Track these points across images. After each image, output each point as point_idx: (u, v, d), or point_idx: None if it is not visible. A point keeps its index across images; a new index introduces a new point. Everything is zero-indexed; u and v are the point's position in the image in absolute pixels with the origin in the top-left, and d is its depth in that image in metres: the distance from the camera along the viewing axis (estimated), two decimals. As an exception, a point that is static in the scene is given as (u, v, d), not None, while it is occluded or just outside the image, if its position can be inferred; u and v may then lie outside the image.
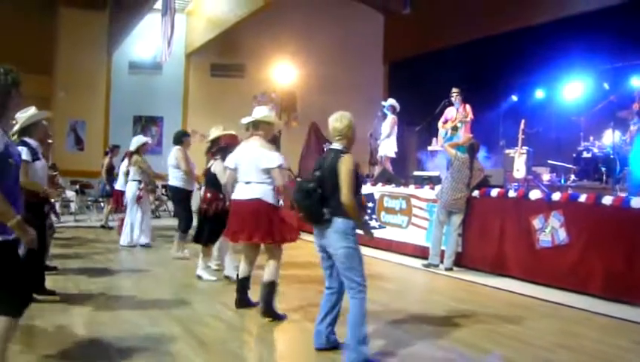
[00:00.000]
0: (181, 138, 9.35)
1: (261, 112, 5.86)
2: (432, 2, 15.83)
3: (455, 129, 11.10)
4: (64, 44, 16.74)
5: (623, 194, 7.59)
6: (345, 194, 4.22)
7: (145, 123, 17.63)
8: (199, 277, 7.41)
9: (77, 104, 16.71)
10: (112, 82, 17.41)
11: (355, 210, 4.27)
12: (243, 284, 5.93)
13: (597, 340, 5.29)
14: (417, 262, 8.97)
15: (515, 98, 14.81)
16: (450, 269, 8.42)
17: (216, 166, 7.26)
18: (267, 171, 5.60)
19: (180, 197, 9.05)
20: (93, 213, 15.02)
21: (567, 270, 7.17)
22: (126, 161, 11.26)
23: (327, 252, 4.43)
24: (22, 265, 3.42)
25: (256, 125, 5.83)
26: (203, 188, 7.70)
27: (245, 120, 5.90)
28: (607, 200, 6.96)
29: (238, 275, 6.00)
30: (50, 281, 6.49)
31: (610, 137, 10.79)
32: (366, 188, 10.69)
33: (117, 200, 11.61)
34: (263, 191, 5.61)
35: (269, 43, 16.86)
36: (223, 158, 6.76)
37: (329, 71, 17.04)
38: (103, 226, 12.62)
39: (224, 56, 17.85)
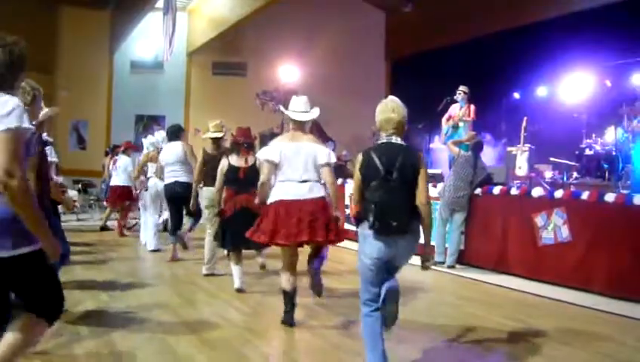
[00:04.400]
0: (179, 132, 8.87)
1: (308, 108, 5.46)
2: (433, 0, 15.83)
3: (455, 127, 11.09)
4: (66, 43, 16.76)
5: (626, 192, 7.59)
6: (426, 198, 3.91)
7: (147, 122, 17.63)
8: (240, 291, 6.69)
9: (79, 103, 16.70)
10: (113, 81, 17.43)
11: (431, 218, 3.99)
12: (293, 298, 5.38)
13: (601, 338, 5.29)
14: (414, 260, 8.97)
15: (517, 95, 14.80)
16: (453, 267, 8.42)
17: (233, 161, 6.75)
18: (319, 168, 5.20)
19: (189, 194, 8.21)
20: (95, 212, 15.04)
21: (570, 267, 7.17)
22: (123, 156, 11.36)
23: (388, 265, 3.93)
24: (55, 273, 3.23)
25: (295, 120, 5.40)
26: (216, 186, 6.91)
27: (300, 116, 5.39)
28: (610, 197, 6.95)
29: (284, 290, 5.38)
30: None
31: (612, 134, 10.78)
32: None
33: (120, 195, 11.30)
34: (322, 189, 5.23)
35: (270, 41, 16.86)
36: (245, 153, 6.68)
37: (331, 69, 17.03)
38: (102, 228, 12.07)
39: (226, 55, 17.85)
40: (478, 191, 8.50)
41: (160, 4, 14.37)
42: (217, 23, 15.62)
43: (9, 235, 2.81)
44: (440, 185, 9.08)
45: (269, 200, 5.18)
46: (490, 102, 13.45)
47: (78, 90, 16.62)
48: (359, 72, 17.41)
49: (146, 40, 17.04)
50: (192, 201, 7.87)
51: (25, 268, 2.92)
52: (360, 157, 3.99)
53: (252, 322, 5.60)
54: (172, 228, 8.75)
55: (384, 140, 4.00)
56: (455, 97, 11.12)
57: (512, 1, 13.63)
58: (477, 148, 8.73)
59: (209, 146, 7.86)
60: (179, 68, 17.77)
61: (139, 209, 10.91)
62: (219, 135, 7.86)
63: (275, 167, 5.17)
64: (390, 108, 3.99)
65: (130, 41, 16.89)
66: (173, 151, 8.61)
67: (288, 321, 5.32)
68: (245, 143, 6.82)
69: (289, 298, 5.35)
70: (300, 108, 5.40)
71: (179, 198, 8.44)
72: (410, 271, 8.00)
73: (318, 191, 5.16)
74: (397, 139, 3.97)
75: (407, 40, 17.26)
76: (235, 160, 6.73)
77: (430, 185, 9.61)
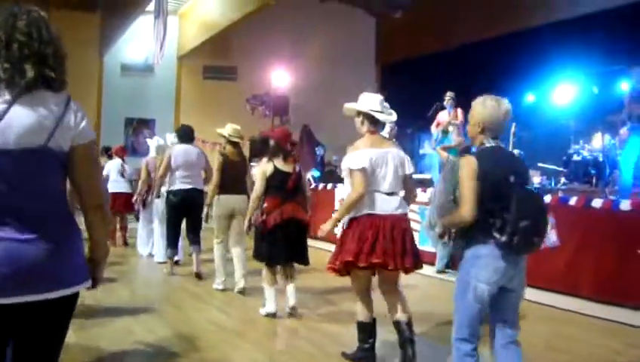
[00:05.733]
0: (193, 135, 8.13)
1: (385, 108, 4.63)
2: (423, 6, 15.91)
3: (445, 132, 11.15)
4: (55, 45, 16.67)
5: (613, 198, 7.66)
6: None
7: (137, 125, 17.59)
8: (294, 309, 5.97)
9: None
10: (103, 84, 17.36)
11: None
12: (373, 331, 4.59)
13: (588, 342, 5.34)
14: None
15: (472, 105, 14.85)
16: (443, 272, 8.45)
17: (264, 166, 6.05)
18: (403, 178, 4.53)
19: (202, 202, 7.65)
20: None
21: (558, 272, 7.21)
22: (118, 160, 10.75)
23: (502, 292, 3.35)
24: None
25: (374, 121, 4.54)
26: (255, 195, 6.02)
27: (385, 117, 4.57)
28: (597, 203, 7.02)
29: (361, 322, 4.55)
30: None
31: (599, 141, 10.88)
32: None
33: (124, 204, 10.28)
34: (406, 206, 4.53)
35: (261, 46, 16.86)
36: (282, 158, 5.93)
37: (321, 74, 17.06)
38: None
39: (216, 59, 17.84)
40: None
41: (151, 7, 14.34)
42: (208, 27, 15.62)
43: (71, 266, 2.17)
44: (430, 191, 9.11)
45: (350, 215, 4.39)
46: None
47: (67, 68, 16.46)
48: (349, 76, 17.42)
49: (137, 43, 16.99)
50: (206, 210, 7.24)
51: (71, 309, 2.24)
52: (471, 161, 3.36)
53: (242, 327, 5.60)
54: (172, 239, 7.97)
55: (492, 144, 3.44)
56: (444, 103, 11.20)
57: (500, 8, 13.73)
58: (466, 153, 8.76)
59: (227, 150, 7.28)
60: (169, 71, 17.72)
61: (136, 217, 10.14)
62: (239, 141, 7.41)
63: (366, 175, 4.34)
64: (504, 110, 3.43)
65: (120, 43, 16.83)
66: (189, 154, 7.85)
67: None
68: (293, 149, 6.16)
69: (369, 331, 4.55)
70: (378, 108, 4.55)
71: (194, 207, 7.75)
72: (400, 275, 7.97)
73: (405, 208, 4.48)
74: (497, 144, 3.47)
75: (398, 45, 17.35)
76: (281, 164, 5.92)
77: (419, 190, 9.73)
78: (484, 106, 3.43)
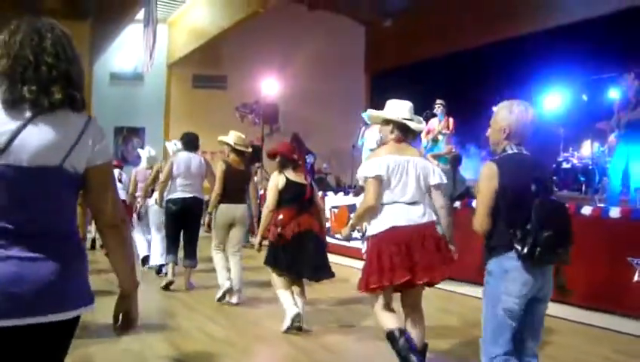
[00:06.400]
0: (198, 143, 7.95)
1: (413, 115, 4.41)
2: (412, 15, 15.98)
3: (435, 141, 11.16)
4: (44, 54, 16.61)
5: (602, 205, 7.68)
6: None
7: (127, 134, 17.54)
8: (298, 328, 5.58)
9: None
10: (93, 93, 17.25)
11: None
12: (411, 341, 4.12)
13: (579, 349, 5.33)
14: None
15: (495, 109, 14.93)
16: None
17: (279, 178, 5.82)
18: (429, 188, 4.29)
19: (201, 212, 7.54)
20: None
21: (548, 280, 7.21)
22: (116, 169, 10.63)
23: (531, 302, 3.24)
24: None
25: (405, 129, 4.31)
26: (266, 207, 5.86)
27: (414, 125, 4.36)
28: (587, 210, 7.03)
29: (390, 330, 4.09)
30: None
31: (588, 148, 10.94)
32: (349, 199, 10.71)
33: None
34: (433, 214, 4.26)
35: (251, 55, 16.87)
36: (292, 169, 5.79)
37: (311, 82, 17.07)
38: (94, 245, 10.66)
39: (206, 68, 17.83)
40: (457, 204, 8.55)
41: (140, 16, 14.34)
42: (198, 36, 15.62)
43: (74, 290, 2.08)
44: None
45: (374, 231, 4.16)
46: (470, 115, 13.53)
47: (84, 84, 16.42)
48: (339, 85, 17.48)
49: (126, 52, 16.97)
50: (208, 218, 7.05)
51: (72, 332, 2.12)
52: (493, 168, 3.21)
53: (233, 336, 5.57)
54: (171, 246, 7.74)
55: (514, 150, 3.30)
56: (434, 111, 11.21)
57: (490, 16, 13.79)
58: (456, 161, 8.79)
59: (230, 159, 7.12)
60: (159, 80, 17.70)
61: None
62: (245, 149, 7.23)
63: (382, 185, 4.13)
64: (532, 116, 3.31)
65: (110, 52, 16.82)
66: (191, 163, 7.68)
67: None
68: (300, 160, 6.01)
69: (408, 344, 4.06)
70: (408, 116, 4.34)
71: (193, 216, 7.60)
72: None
73: (430, 215, 4.21)
74: (519, 149, 3.32)
75: (387, 54, 17.39)
76: (292, 175, 5.77)
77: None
78: (511, 112, 3.32)
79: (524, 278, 3.12)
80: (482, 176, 3.26)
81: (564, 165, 11.03)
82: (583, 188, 10.26)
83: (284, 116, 17.19)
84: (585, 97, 11.88)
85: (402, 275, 3.95)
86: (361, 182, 4.38)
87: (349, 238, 4.50)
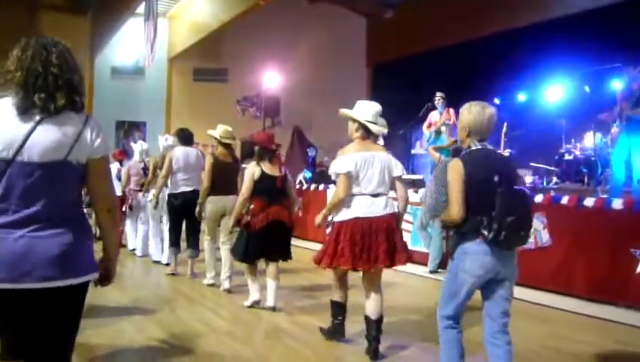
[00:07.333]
0: (193, 138, 8.24)
1: (380, 120, 4.94)
2: (413, 6, 15.93)
3: (438, 133, 11.16)
4: (45, 49, 16.58)
5: (605, 196, 7.66)
6: None
7: (128, 128, 17.54)
8: (273, 309, 6.18)
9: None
10: (94, 87, 17.25)
11: None
12: (344, 309, 5.16)
13: (581, 341, 5.33)
14: (409, 267, 8.98)
15: (497, 101, 14.91)
16: (435, 272, 8.44)
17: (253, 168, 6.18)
18: (392, 180, 4.82)
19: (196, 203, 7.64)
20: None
21: (550, 271, 7.22)
22: (116, 164, 10.70)
23: (493, 283, 3.61)
24: None
25: (368, 130, 4.87)
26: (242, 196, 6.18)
27: (377, 129, 4.89)
28: (589, 202, 7.02)
29: (335, 301, 5.13)
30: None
31: (591, 139, 10.91)
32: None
33: (120, 206, 10.15)
34: (393, 204, 4.79)
35: (251, 48, 16.84)
36: (268, 160, 6.15)
37: (312, 75, 17.03)
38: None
39: (207, 61, 17.81)
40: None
41: (141, 9, 14.31)
42: (198, 29, 15.59)
43: (80, 259, 2.52)
44: (421, 191, 9.10)
45: (339, 218, 4.73)
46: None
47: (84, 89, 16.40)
48: (340, 77, 17.43)
49: (127, 46, 16.95)
50: (198, 209, 7.30)
51: (82, 297, 2.59)
52: (458, 164, 3.62)
53: (232, 327, 5.58)
54: (174, 240, 8.14)
55: (478, 147, 3.68)
56: (435, 103, 11.20)
57: (492, 7, 13.75)
58: (457, 153, 8.74)
59: (218, 152, 7.39)
60: (160, 74, 17.68)
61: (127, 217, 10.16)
62: (231, 142, 7.48)
63: (351, 179, 4.69)
64: (488, 114, 3.66)
65: (110, 46, 16.79)
66: (189, 157, 7.96)
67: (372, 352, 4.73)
68: (277, 150, 6.35)
69: (340, 309, 5.11)
70: (372, 119, 4.88)
71: (194, 208, 7.58)
72: (392, 275, 8.02)
73: (392, 207, 4.75)
74: (487, 145, 3.71)
75: (388, 46, 17.33)
76: (268, 167, 6.14)
77: (411, 190, 9.73)
78: (470, 112, 3.69)
79: (482, 261, 3.48)
80: (450, 172, 3.65)
81: (567, 157, 10.98)
82: (586, 179, 10.22)
83: (285, 109, 17.16)
84: (587, 88, 11.81)
85: (347, 263, 4.59)
86: (333, 177, 4.89)
87: (320, 226, 4.92)
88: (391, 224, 4.68)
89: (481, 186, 3.51)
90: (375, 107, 4.94)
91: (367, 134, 4.86)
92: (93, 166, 2.55)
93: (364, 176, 4.69)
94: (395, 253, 4.65)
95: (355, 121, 4.88)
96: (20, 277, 2.36)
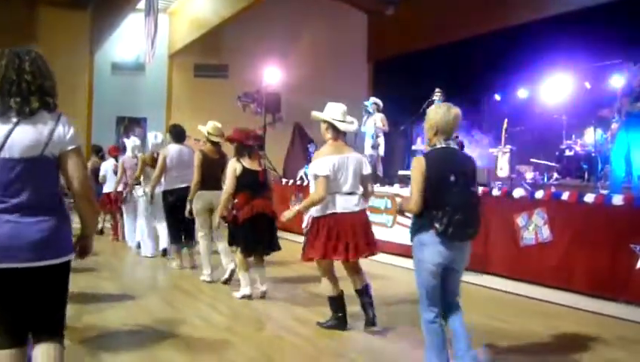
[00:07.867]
0: (185, 135, 8.42)
1: (346, 117, 5.38)
2: (414, 3, 15.92)
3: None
4: (45, 44, 16.47)
5: (605, 192, 7.67)
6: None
7: (128, 124, 17.54)
8: (264, 293, 6.53)
9: (59, 105, 16.43)
10: (94, 83, 17.27)
11: None
12: (342, 303, 5.42)
13: (581, 336, 5.34)
14: (403, 261, 8.99)
15: (497, 97, 14.92)
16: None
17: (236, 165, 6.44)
18: (362, 178, 5.28)
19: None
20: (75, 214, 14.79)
21: (550, 267, 7.22)
22: (112, 160, 10.80)
23: (447, 270, 3.95)
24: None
25: (336, 129, 5.31)
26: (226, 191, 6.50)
27: (346, 126, 5.36)
28: (590, 197, 7.02)
29: (331, 296, 5.38)
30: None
31: (591, 136, 10.91)
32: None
33: (111, 202, 10.54)
34: (364, 201, 5.32)
35: (252, 43, 16.83)
36: (247, 156, 6.45)
37: (313, 71, 17.03)
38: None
39: (208, 57, 17.80)
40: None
41: (141, 5, 14.29)
42: (199, 25, 15.58)
43: (59, 243, 2.85)
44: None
45: (318, 214, 5.15)
46: (472, 103, 13.54)
47: (57, 91, 16.40)
48: (341, 73, 17.43)
49: (127, 41, 16.94)
50: (188, 206, 7.39)
51: (64, 275, 2.93)
52: (421, 161, 3.89)
53: (231, 322, 5.60)
54: (174, 235, 8.27)
55: (442, 145, 3.96)
56: (433, 99, 11.19)
57: (493, 4, 13.74)
58: (461, 147, 8.77)
59: (206, 148, 7.55)
60: (160, 70, 17.67)
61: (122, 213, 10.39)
62: (219, 140, 7.55)
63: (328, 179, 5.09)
64: (453, 114, 3.93)
65: (111, 42, 16.77)
66: (183, 154, 8.12)
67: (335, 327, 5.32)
68: (257, 145, 6.64)
69: (338, 303, 5.37)
70: (341, 118, 5.33)
71: (182, 204, 7.70)
72: (393, 271, 8.03)
73: (363, 204, 5.26)
74: (452, 144, 4.01)
75: (389, 42, 17.32)
76: (248, 163, 6.44)
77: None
78: (436, 112, 3.97)
79: (438, 249, 3.82)
80: (413, 167, 3.94)
81: (567, 153, 10.99)
82: (586, 175, 10.22)
83: (286, 105, 17.15)
84: (587, 85, 11.82)
85: (339, 255, 5.07)
86: (311, 178, 5.32)
87: (289, 220, 5.34)
88: (364, 219, 5.24)
89: (438, 183, 3.81)
90: (342, 107, 5.37)
91: (337, 134, 5.30)
92: (67, 157, 2.85)
93: (340, 177, 5.12)
94: (369, 244, 5.18)
95: (324, 121, 5.33)
96: (6, 258, 2.70)
